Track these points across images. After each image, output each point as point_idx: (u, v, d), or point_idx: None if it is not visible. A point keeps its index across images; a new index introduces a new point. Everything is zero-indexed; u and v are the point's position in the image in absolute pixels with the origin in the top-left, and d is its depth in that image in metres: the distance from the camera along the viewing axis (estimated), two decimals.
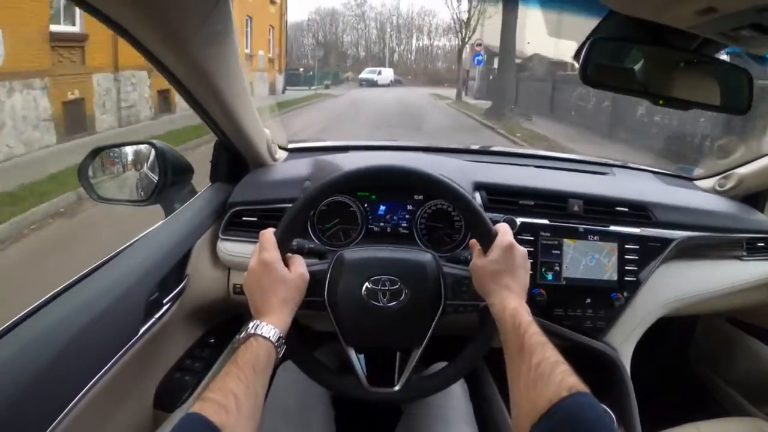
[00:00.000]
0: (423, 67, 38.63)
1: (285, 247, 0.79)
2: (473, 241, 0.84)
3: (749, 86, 0.84)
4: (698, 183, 1.43)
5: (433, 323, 0.84)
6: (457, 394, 1.04)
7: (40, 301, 0.75)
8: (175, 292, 0.96)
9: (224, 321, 1.20)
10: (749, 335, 1.39)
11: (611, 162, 1.50)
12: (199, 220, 1.07)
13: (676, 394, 1.48)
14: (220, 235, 1.10)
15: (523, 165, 1.35)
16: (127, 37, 0.69)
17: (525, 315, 0.70)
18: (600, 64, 0.82)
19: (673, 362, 1.60)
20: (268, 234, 0.79)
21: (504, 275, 0.76)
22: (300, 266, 0.79)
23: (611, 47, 0.84)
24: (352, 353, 0.86)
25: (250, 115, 1.05)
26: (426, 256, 0.87)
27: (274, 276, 0.75)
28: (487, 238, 0.80)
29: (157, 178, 1.11)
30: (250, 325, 0.71)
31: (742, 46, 0.68)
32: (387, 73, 32.60)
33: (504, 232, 0.80)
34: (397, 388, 0.85)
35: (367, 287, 0.81)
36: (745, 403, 1.40)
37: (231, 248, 1.08)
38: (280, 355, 0.71)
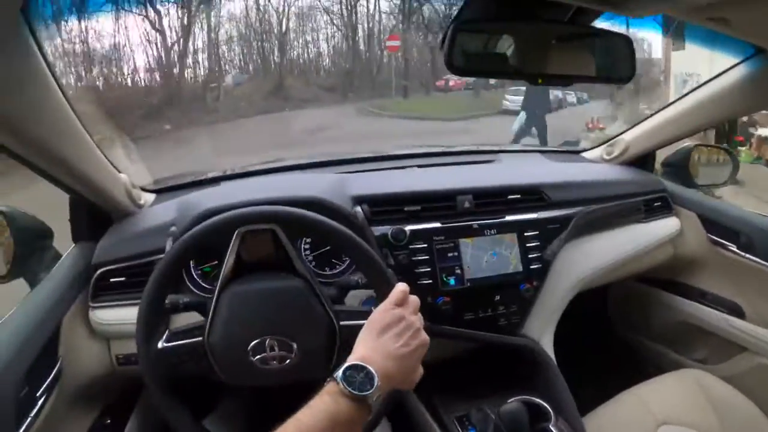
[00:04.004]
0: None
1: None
2: None
3: (630, 51, 0.81)
4: (586, 155, 1.45)
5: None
6: None
7: None
8: (49, 380, 0.83)
9: (117, 397, 1.08)
10: (660, 289, 1.43)
11: (497, 148, 1.49)
12: (62, 290, 0.93)
13: (607, 365, 1.49)
14: (90, 304, 0.97)
15: (405, 167, 1.30)
16: None
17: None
18: (466, 50, 0.77)
19: (596, 334, 1.61)
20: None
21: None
22: None
23: (476, 30, 0.79)
24: None
25: (95, 161, 0.93)
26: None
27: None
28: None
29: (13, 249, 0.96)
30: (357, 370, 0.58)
31: (617, 10, 0.65)
32: None
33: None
34: None
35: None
36: (674, 355, 1.43)
37: (105, 316, 0.96)
38: None
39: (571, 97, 13.93)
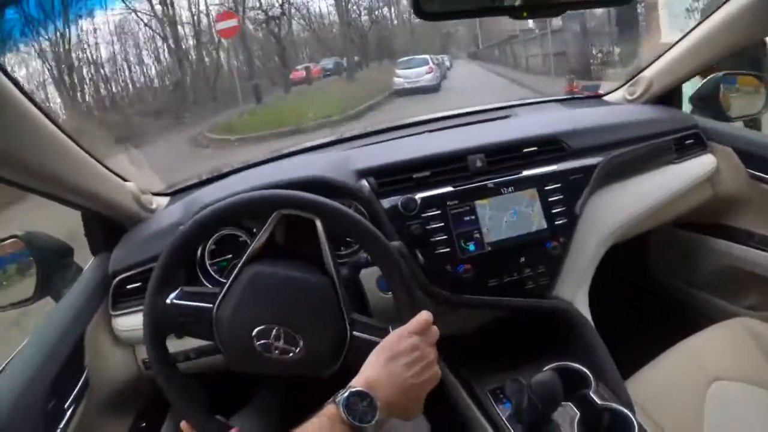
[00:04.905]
0: None
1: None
2: None
3: None
4: (608, 98, 1.35)
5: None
6: None
7: None
8: (76, 390, 0.83)
9: (150, 401, 1.07)
10: (703, 234, 1.32)
11: (514, 103, 1.40)
12: (83, 302, 0.94)
13: (650, 321, 1.40)
14: (111, 312, 0.96)
15: (416, 134, 1.23)
16: None
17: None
18: None
19: (636, 288, 1.52)
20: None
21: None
22: None
23: None
24: None
25: (95, 174, 0.91)
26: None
27: None
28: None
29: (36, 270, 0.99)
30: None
31: None
32: None
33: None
34: None
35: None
36: (722, 303, 1.34)
37: (126, 323, 0.95)
38: None
39: (447, 60, 14.27)
